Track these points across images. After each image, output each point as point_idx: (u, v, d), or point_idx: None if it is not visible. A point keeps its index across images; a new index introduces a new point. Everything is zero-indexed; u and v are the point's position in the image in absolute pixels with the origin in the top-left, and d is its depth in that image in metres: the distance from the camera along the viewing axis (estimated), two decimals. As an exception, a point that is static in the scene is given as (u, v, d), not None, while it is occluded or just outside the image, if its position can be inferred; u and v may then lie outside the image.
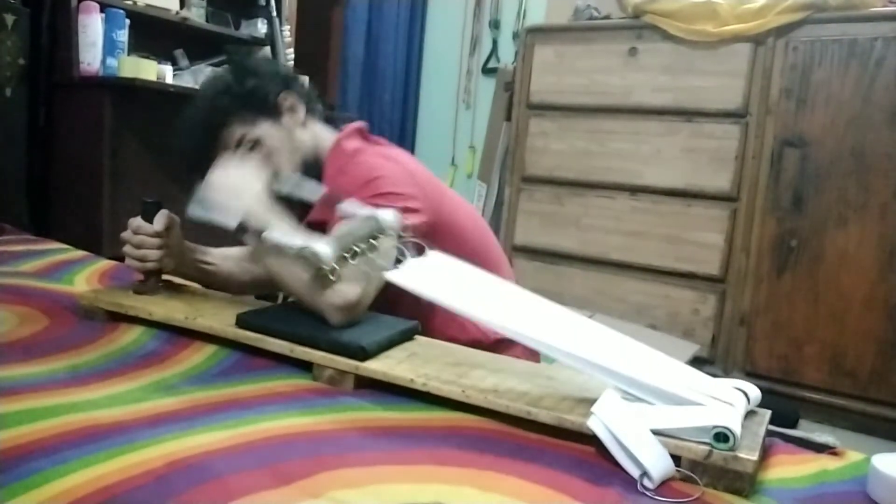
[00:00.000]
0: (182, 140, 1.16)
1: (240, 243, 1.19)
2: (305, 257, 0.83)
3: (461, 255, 0.95)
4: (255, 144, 1.13)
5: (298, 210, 1.09)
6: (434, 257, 0.88)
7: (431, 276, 0.84)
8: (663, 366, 0.75)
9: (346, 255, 0.84)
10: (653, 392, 0.70)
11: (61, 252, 1.46)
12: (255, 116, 1.13)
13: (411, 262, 0.86)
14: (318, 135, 1.19)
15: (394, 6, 3.46)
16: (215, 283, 1.20)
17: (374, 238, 0.87)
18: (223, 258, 1.23)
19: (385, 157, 1.13)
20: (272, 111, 1.15)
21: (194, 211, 0.95)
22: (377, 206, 0.98)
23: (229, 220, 0.93)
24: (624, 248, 2.58)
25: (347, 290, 0.89)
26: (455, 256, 0.92)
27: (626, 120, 2.57)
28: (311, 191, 1.01)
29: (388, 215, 0.90)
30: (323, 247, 0.83)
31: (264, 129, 1.13)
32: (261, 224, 0.92)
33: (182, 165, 1.16)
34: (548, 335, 0.75)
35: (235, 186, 0.97)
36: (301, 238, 0.87)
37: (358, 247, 0.85)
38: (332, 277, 0.85)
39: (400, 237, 0.89)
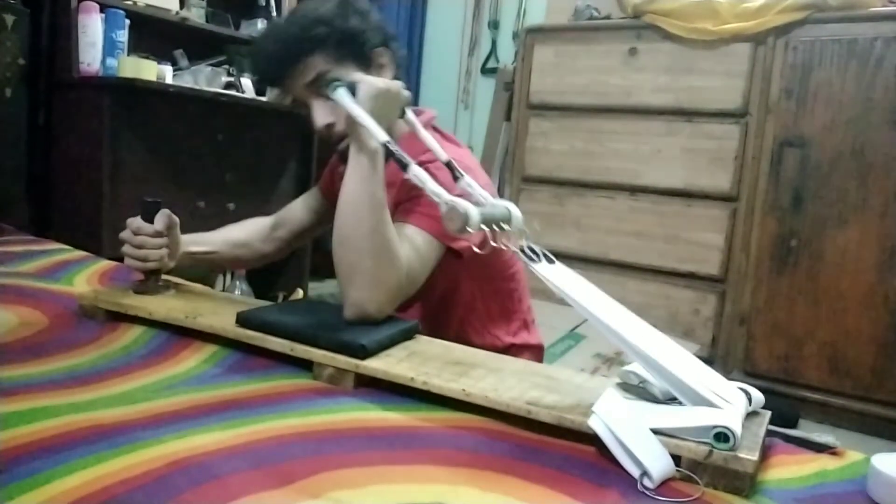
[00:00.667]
0: (261, 50, 1.09)
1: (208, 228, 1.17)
2: (455, 209, 0.76)
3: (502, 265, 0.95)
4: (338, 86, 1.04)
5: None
6: (561, 267, 0.82)
7: (570, 282, 0.79)
8: (682, 356, 0.74)
9: (485, 227, 0.78)
10: (677, 384, 0.69)
11: (61, 252, 1.46)
12: (344, 58, 1.05)
13: (546, 265, 0.80)
14: None
15: (393, 6, 3.46)
16: (219, 266, 1.20)
17: (504, 224, 0.82)
18: (221, 242, 1.23)
19: (469, 158, 1.11)
20: (364, 60, 1.06)
21: (343, 98, 0.91)
22: (410, 221, 0.99)
23: (380, 135, 0.88)
24: (624, 248, 2.58)
25: (376, 305, 0.89)
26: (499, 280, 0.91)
27: (626, 120, 2.57)
28: (438, 149, 0.97)
29: (516, 209, 0.84)
30: (472, 207, 0.77)
31: (351, 73, 1.03)
32: (404, 157, 0.87)
33: (257, 76, 1.13)
34: (660, 355, 0.71)
35: (388, 106, 0.95)
36: (442, 189, 0.82)
37: (498, 225, 0.80)
38: (469, 231, 0.77)
39: (524, 234, 0.84)
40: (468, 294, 1.12)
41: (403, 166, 0.86)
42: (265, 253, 1.30)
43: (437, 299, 1.09)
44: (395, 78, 1.09)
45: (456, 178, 0.92)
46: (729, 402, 0.68)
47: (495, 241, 0.78)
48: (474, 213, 0.76)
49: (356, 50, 1.05)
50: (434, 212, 0.91)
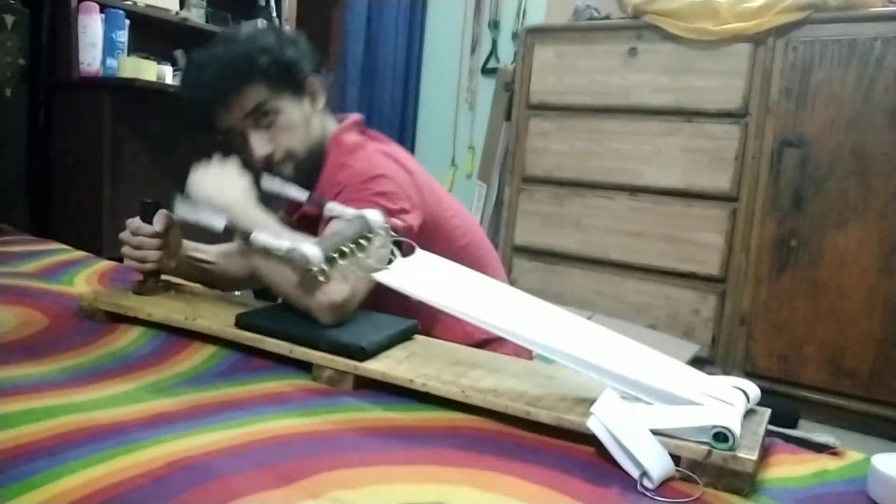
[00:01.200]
0: (196, 78, 1.07)
1: (230, 240, 1.19)
2: (294, 259, 0.82)
3: (455, 257, 0.94)
4: (272, 115, 1.07)
5: (286, 205, 1.08)
6: (423, 257, 0.88)
7: (421, 276, 0.83)
8: (662, 365, 0.75)
9: (334, 255, 0.83)
10: (650, 392, 0.70)
11: (61, 252, 1.46)
12: (281, 87, 1.07)
13: (401, 262, 0.85)
14: (327, 127, 1.17)
15: (394, 6, 3.46)
16: (215, 280, 1.20)
17: (363, 238, 0.87)
18: (221, 255, 1.23)
19: (386, 155, 1.11)
20: (298, 89, 1.10)
21: (181, 211, 0.95)
22: (376, 204, 0.98)
23: (216, 222, 0.92)
24: (624, 248, 2.58)
25: (335, 289, 0.88)
26: (448, 258, 0.92)
27: (626, 120, 2.57)
28: (296, 192, 1.01)
29: (375, 215, 0.89)
30: (311, 248, 0.82)
31: (286, 103, 1.08)
32: (248, 225, 0.91)
33: (187, 104, 1.10)
34: (541, 335, 0.75)
35: (220, 187, 0.96)
36: (288, 239, 0.86)
37: (347, 247, 0.85)
38: (320, 279, 0.84)
39: (389, 237, 0.88)
40: None
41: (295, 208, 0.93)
42: (252, 269, 1.28)
43: (398, 295, 1.07)
44: (328, 101, 1.15)
45: (320, 208, 0.96)
46: (715, 398, 0.68)
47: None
48: (314, 253, 0.80)
49: (292, 79, 1.08)
50: (382, 201, 0.99)
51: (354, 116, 1.18)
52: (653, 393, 0.70)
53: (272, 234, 0.88)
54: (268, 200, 1.00)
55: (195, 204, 0.94)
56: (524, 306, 0.81)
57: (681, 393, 0.69)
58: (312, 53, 1.14)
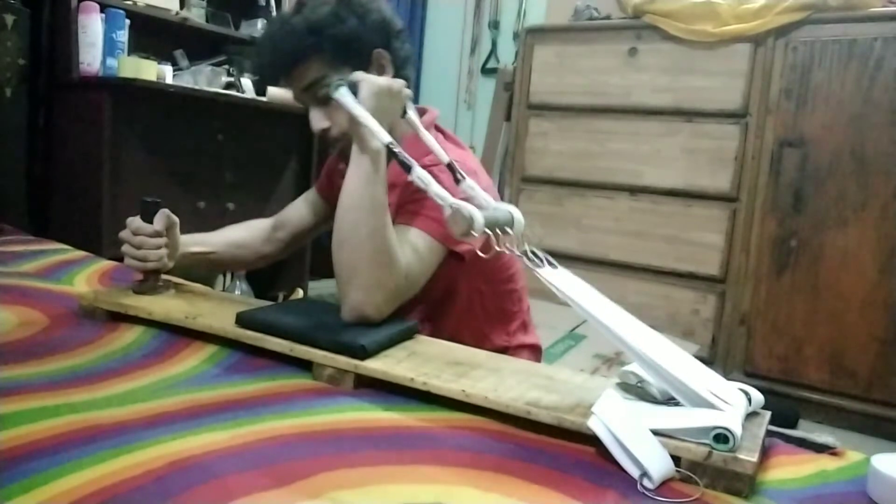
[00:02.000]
0: (259, 53, 1.09)
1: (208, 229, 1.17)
2: (460, 212, 0.76)
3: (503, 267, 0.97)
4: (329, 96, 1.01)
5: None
6: (564, 272, 0.82)
7: (573, 286, 0.79)
8: (681, 357, 0.74)
9: (489, 231, 0.78)
10: (677, 385, 0.69)
11: (61, 252, 1.46)
12: (341, 62, 1.03)
13: (552, 270, 0.80)
14: None
15: (393, 6, 3.45)
16: (219, 267, 1.20)
17: (507, 227, 0.83)
18: (221, 243, 1.23)
19: (471, 160, 1.11)
20: (362, 62, 1.04)
21: (344, 97, 0.90)
22: (413, 224, 0.99)
23: (382, 135, 0.88)
24: (624, 248, 2.58)
25: (375, 308, 0.89)
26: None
27: (626, 120, 2.57)
28: (440, 151, 0.96)
29: (518, 213, 0.85)
30: (477, 212, 0.77)
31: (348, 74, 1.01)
32: (407, 159, 0.86)
33: (259, 74, 1.10)
34: (659, 356, 0.72)
35: (389, 105, 0.94)
36: (446, 192, 0.81)
37: (501, 229, 0.80)
38: (473, 238, 0.77)
39: (528, 238, 0.84)
40: (466, 296, 1.12)
41: (407, 168, 0.85)
42: (265, 254, 1.30)
43: (435, 301, 1.09)
44: (399, 76, 1.07)
45: (458, 181, 0.91)
46: (728, 403, 0.68)
47: (498, 246, 0.77)
48: (478, 216, 0.76)
49: (353, 54, 1.04)
50: (437, 214, 0.93)
51: (434, 112, 1.14)
52: (680, 388, 0.69)
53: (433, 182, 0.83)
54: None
55: (356, 99, 0.90)
56: (636, 328, 0.78)
57: (698, 389, 0.68)
58: (385, 24, 1.08)
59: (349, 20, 1.03)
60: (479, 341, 1.08)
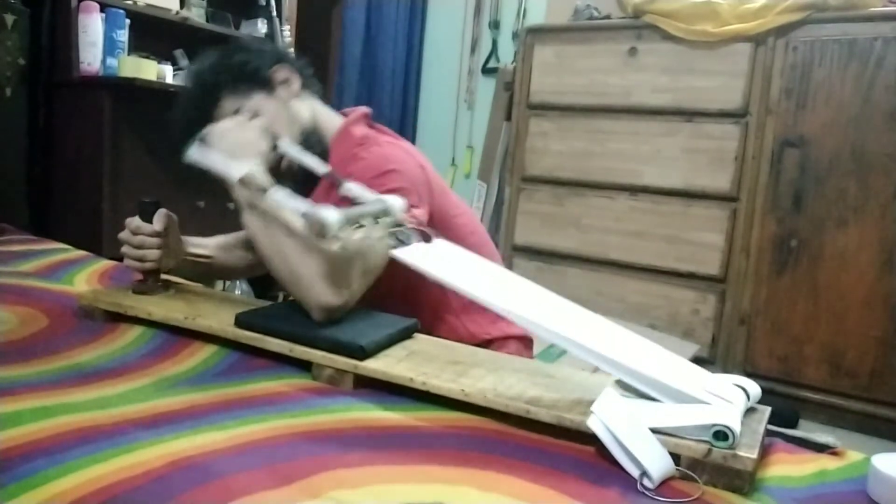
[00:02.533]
0: (176, 121, 1.13)
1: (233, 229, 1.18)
2: (311, 221, 0.80)
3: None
4: (252, 117, 1.10)
5: (294, 189, 1.08)
6: (440, 245, 0.87)
7: (437, 259, 0.83)
8: (666, 360, 0.75)
9: (350, 225, 0.82)
10: (656, 386, 0.70)
11: (61, 252, 1.46)
12: (247, 89, 1.11)
13: (418, 246, 0.84)
14: (317, 110, 1.17)
15: (393, 6, 3.46)
16: (214, 274, 1.20)
17: (381, 218, 0.87)
18: (219, 248, 1.23)
19: (400, 149, 1.11)
20: (265, 83, 1.12)
21: (195, 154, 0.93)
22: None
23: (232, 171, 0.91)
24: (624, 248, 2.58)
25: (333, 292, 0.89)
26: None
27: (625, 120, 2.57)
28: (316, 163, 1.00)
29: (396, 201, 0.89)
30: (330, 212, 0.80)
31: (259, 101, 1.11)
32: (262, 183, 0.90)
33: (179, 149, 1.13)
34: (554, 323, 0.74)
35: (241, 140, 0.97)
36: (305, 203, 0.85)
37: (365, 221, 0.84)
38: (332, 246, 0.82)
39: (406, 223, 0.88)
40: (428, 288, 1.07)
41: (262, 191, 0.90)
42: (253, 264, 1.27)
43: (400, 298, 1.06)
44: (307, 84, 1.17)
45: (337, 186, 0.96)
46: (724, 399, 0.68)
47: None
48: (331, 217, 0.79)
49: (252, 78, 1.12)
50: (401, 196, 0.98)
51: (362, 109, 1.18)
52: (659, 388, 0.69)
53: (288, 196, 0.87)
54: (280, 176, 1.01)
55: (210, 151, 0.93)
56: (538, 296, 0.81)
57: (686, 390, 0.68)
58: (269, 47, 1.21)
59: (237, 55, 1.14)
60: (459, 335, 1.07)
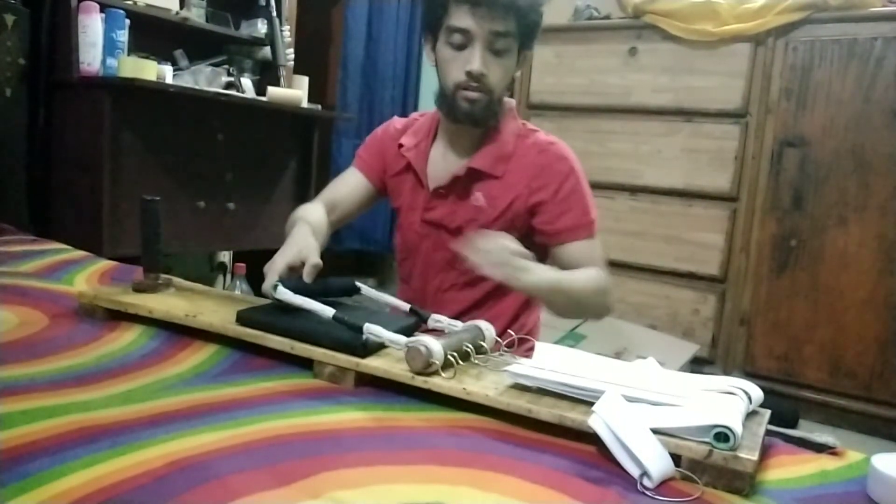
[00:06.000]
0: None
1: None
2: (416, 351, 0.79)
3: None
4: (504, 49, 1.14)
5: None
6: (545, 350, 0.87)
7: (555, 366, 0.81)
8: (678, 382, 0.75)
9: (453, 352, 0.81)
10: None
11: (61, 252, 1.45)
12: (524, 40, 1.17)
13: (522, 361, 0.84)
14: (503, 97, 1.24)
15: (394, 6, 3.46)
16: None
17: (477, 343, 0.90)
18: (324, 235, 1.17)
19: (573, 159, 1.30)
20: (525, 51, 1.20)
21: (283, 295, 0.90)
22: (591, 233, 1.29)
23: (325, 311, 0.87)
24: (624, 248, 2.57)
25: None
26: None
27: (625, 120, 2.57)
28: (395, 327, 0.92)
29: (488, 327, 0.93)
30: (433, 341, 0.80)
31: (514, 53, 1.17)
32: (355, 320, 0.86)
33: None
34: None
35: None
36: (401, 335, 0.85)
37: (465, 347, 0.85)
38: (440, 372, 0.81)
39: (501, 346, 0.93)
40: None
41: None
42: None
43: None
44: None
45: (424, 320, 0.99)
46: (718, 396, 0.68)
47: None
48: (436, 347, 0.79)
49: (531, 41, 1.20)
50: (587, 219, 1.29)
51: (511, 101, 1.28)
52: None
53: (381, 329, 0.85)
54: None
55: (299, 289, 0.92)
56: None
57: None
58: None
59: (541, 18, 1.20)
60: (536, 318, 1.31)
